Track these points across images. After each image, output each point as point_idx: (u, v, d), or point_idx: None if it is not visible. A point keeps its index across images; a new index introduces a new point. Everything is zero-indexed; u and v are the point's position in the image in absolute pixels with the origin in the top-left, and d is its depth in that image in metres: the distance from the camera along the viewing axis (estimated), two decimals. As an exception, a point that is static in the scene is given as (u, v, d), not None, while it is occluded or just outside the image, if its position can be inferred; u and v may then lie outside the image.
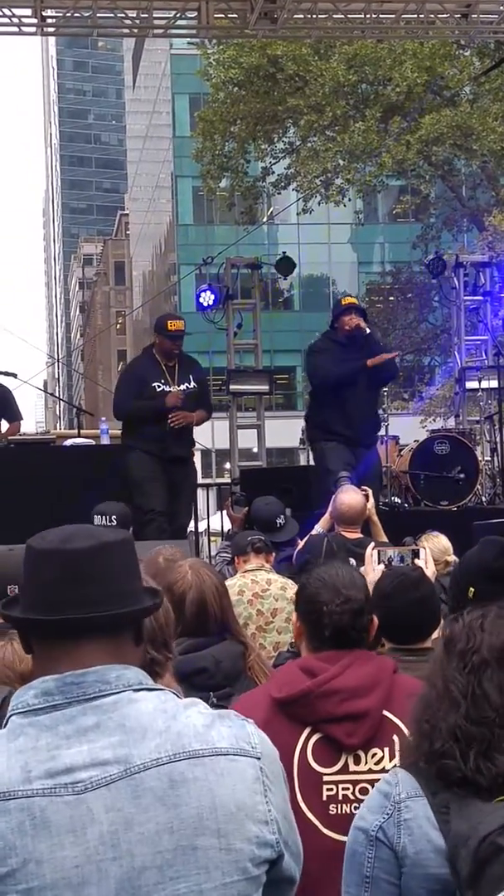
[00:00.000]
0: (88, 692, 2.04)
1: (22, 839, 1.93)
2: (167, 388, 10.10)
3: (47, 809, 1.95)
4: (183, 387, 10.14)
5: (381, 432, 12.55)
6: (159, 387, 10.12)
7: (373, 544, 5.76)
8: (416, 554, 5.37)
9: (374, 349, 10.67)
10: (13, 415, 11.89)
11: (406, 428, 19.43)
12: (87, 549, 2.09)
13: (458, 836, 2.27)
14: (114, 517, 7.34)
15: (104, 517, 7.31)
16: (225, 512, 9.30)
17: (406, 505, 12.47)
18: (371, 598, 4.20)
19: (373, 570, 4.98)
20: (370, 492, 7.82)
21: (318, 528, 7.54)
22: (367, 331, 10.54)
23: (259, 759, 2.09)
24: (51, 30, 14.85)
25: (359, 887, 2.45)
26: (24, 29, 13.93)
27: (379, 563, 5.21)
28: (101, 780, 1.97)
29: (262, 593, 6.47)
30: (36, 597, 2.10)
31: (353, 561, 6.85)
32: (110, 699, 2.04)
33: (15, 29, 13.89)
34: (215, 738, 2.06)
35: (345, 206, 35.28)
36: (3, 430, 11.73)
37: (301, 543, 7.45)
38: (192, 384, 10.23)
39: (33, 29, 14.03)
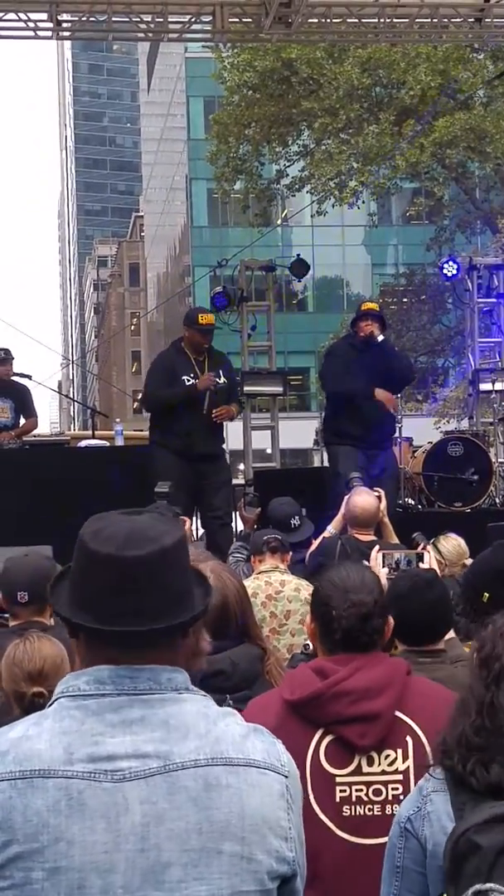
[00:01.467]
0: (139, 688, 2.07)
1: (56, 818, 1.96)
2: (196, 382, 10.02)
3: (85, 793, 1.98)
4: (216, 382, 10.05)
5: (395, 434, 12.58)
6: (188, 380, 10.02)
7: (377, 547, 5.78)
8: (420, 557, 5.39)
9: (389, 355, 10.63)
10: (29, 412, 12.11)
11: (420, 429, 19.42)
12: (145, 558, 2.07)
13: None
14: None
15: None
16: (237, 512, 9.28)
17: (420, 506, 12.49)
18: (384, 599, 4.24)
19: (378, 574, 4.99)
20: (383, 493, 7.80)
21: (331, 530, 7.53)
22: (380, 338, 10.49)
23: (287, 777, 2.13)
24: (66, 34, 14.92)
25: (391, 876, 2.50)
26: (40, 33, 13.99)
27: (384, 567, 5.23)
28: (139, 772, 2.01)
29: (275, 595, 6.46)
30: (89, 600, 2.09)
31: (366, 563, 6.88)
32: (157, 696, 2.07)
33: (31, 33, 13.95)
34: (250, 749, 2.10)
35: (359, 208, 35.31)
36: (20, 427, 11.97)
37: (314, 545, 7.46)
38: (223, 379, 10.15)
39: (49, 33, 14.08)
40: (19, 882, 1.94)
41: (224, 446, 10.70)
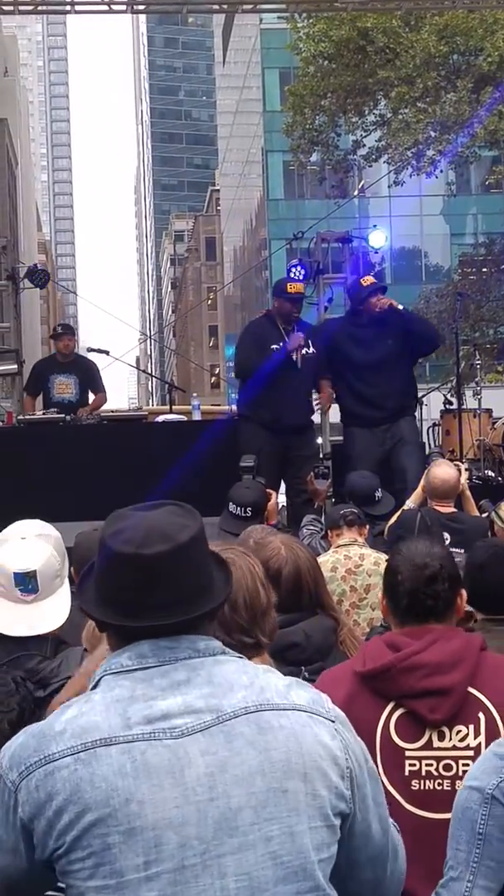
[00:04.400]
0: (180, 656, 2.14)
1: (124, 780, 2.02)
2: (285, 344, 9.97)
3: (147, 753, 2.04)
4: (305, 351, 10.02)
5: (475, 405, 12.46)
6: (277, 348, 9.97)
7: None
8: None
9: (408, 321, 10.37)
10: (97, 388, 12.20)
11: (500, 401, 19.25)
12: (162, 555, 2.14)
13: None
14: (249, 509, 6.72)
15: (240, 508, 6.72)
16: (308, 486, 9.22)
17: (500, 478, 12.36)
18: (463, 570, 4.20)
19: None
20: (463, 466, 7.78)
21: (410, 503, 7.52)
22: (400, 307, 10.21)
23: (334, 721, 2.19)
24: (141, 7, 14.93)
25: (470, 844, 2.48)
26: (115, 7, 14.03)
27: None
28: (196, 726, 2.08)
29: (355, 569, 6.44)
30: (111, 597, 2.19)
31: (446, 535, 6.84)
32: (197, 660, 2.15)
33: (105, 7, 13.99)
34: (294, 697, 2.17)
35: (437, 177, 34.97)
36: (90, 403, 12.05)
37: (394, 518, 7.43)
38: (312, 349, 10.09)
39: (123, 7, 14.12)
40: (98, 849, 2.00)
41: (313, 418, 10.65)
